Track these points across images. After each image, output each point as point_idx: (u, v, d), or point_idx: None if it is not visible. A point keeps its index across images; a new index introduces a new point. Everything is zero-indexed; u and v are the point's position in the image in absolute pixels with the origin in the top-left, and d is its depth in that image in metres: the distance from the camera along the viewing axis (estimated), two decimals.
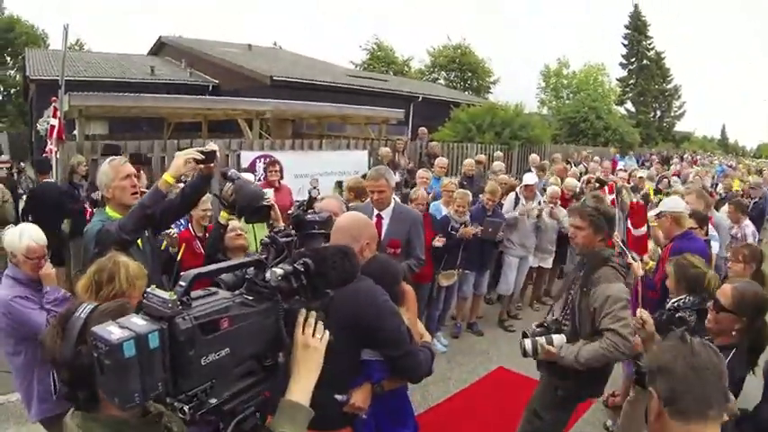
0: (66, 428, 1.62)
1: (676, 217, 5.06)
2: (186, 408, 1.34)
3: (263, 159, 8.61)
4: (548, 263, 8.33)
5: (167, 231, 4.64)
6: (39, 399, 3.45)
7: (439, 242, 6.18)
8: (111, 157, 3.82)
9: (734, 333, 2.87)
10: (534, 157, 13.35)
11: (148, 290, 1.30)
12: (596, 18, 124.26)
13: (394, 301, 2.67)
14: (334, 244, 2.14)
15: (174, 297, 1.27)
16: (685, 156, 29.39)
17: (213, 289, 1.47)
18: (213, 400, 1.43)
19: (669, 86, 51.42)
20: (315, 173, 8.38)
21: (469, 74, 45.77)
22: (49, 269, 3.57)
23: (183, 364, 1.29)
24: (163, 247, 4.75)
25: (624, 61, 50.84)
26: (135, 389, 1.20)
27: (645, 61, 50.38)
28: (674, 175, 14.17)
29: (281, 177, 7.56)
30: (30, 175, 18.75)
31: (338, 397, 2.55)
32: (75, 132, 10.90)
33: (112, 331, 1.18)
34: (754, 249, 4.66)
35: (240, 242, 4.49)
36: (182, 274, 1.37)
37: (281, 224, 3.65)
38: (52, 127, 7.85)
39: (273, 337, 1.56)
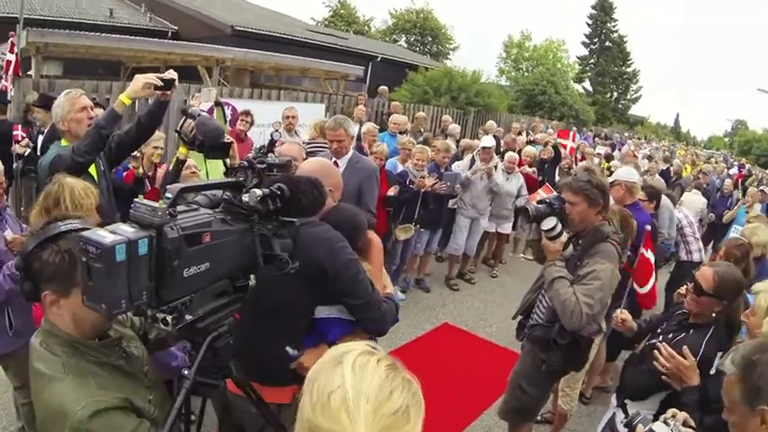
0: (30, 349, 1.66)
1: (629, 186, 5.17)
2: (169, 318, 1.41)
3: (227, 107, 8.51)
4: (505, 228, 8.46)
5: (133, 155, 4.67)
6: None
7: (393, 191, 6.17)
8: (66, 90, 3.73)
9: (713, 314, 2.98)
10: (491, 123, 13.26)
11: (136, 200, 1.35)
12: None
13: (357, 252, 2.63)
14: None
15: (164, 206, 1.32)
16: (631, 138, 29.96)
17: (194, 205, 1.53)
18: (189, 317, 1.51)
19: (629, 70, 51.98)
20: (272, 122, 8.26)
21: (430, 38, 45.45)
22: (11, 235, 3.29)
23: (168, 274, 1.35)
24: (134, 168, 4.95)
25: (587, 41, 51.14)
26: (122, 295, 1.26)
27: (607, 43, 50.76)
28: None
29: (249, 129, 7.49)
30: None
31: (289, 350, 2.43)
32: (31, 72, 10.50)
33: (105, 235, 1.23)
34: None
35: (195, 179, 4.49)
36: (168, 187, 1.42)
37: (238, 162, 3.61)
38: (8, 62, 7.61)
39: (249, 257, 1.63)
